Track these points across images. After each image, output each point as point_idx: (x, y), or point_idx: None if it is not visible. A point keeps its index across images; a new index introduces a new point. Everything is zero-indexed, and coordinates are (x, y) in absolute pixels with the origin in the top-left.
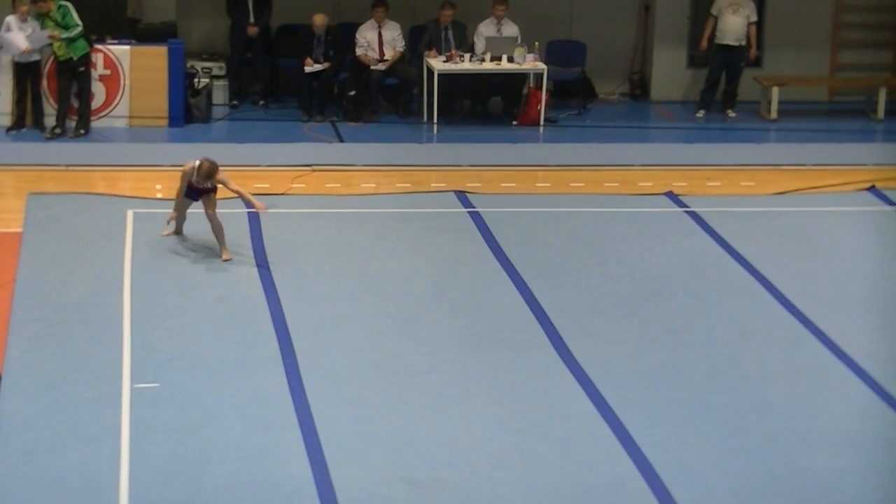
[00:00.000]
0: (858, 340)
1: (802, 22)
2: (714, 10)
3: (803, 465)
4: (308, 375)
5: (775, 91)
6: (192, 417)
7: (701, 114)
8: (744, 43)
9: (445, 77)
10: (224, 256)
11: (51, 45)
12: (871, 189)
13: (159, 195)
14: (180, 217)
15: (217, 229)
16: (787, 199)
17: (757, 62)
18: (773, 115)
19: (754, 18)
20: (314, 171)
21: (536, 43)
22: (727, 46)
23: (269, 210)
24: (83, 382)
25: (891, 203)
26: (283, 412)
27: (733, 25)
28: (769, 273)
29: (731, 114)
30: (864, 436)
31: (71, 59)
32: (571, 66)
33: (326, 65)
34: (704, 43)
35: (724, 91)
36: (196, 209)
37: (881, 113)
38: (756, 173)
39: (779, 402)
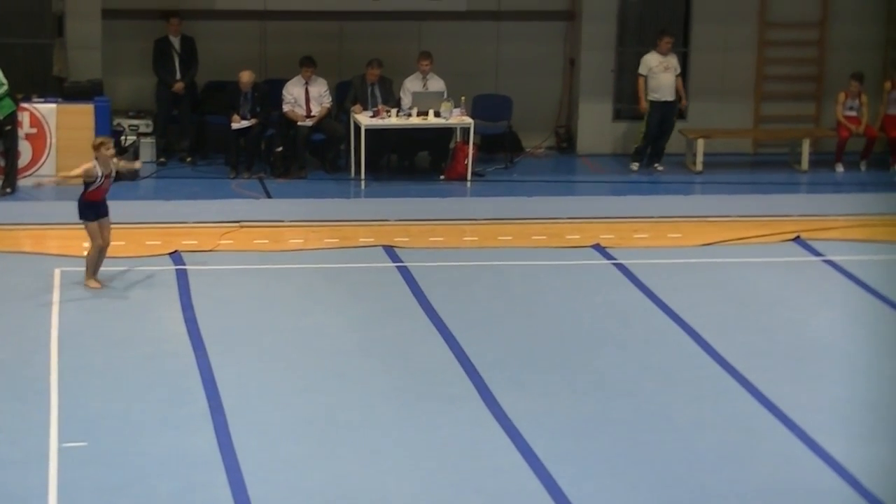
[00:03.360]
0: (786, 391)
1: (726, 75)
2: (643, 70)
3: None
4: (237, 432)
5: (700, 143)
6: (121, 476)
7: (635, 166)
8: (674, 98)
9: (372, 132)
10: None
11: None
12: (797, 240)
13: (86, 253)
14: (100, 256)
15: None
16: (714, 251)
17: (681, 115)
18: (699, 167)
19: (678, 71)
20: (242, 227)
21: (463, 97)
22: (665, 102)
23: (198, 267)
24: (9, 442)
25: (816, 253)
26: (212, 470)
27: (666, 82)
28: (696, 324)
29: (659, 167)
30: (793, 486)
31: None
32: (498, 120)
33: (253, 121)
34: (644, 104)
35: (654, 146)
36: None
37: (805, 164)
38: (682, 225)
39: (708, 453)
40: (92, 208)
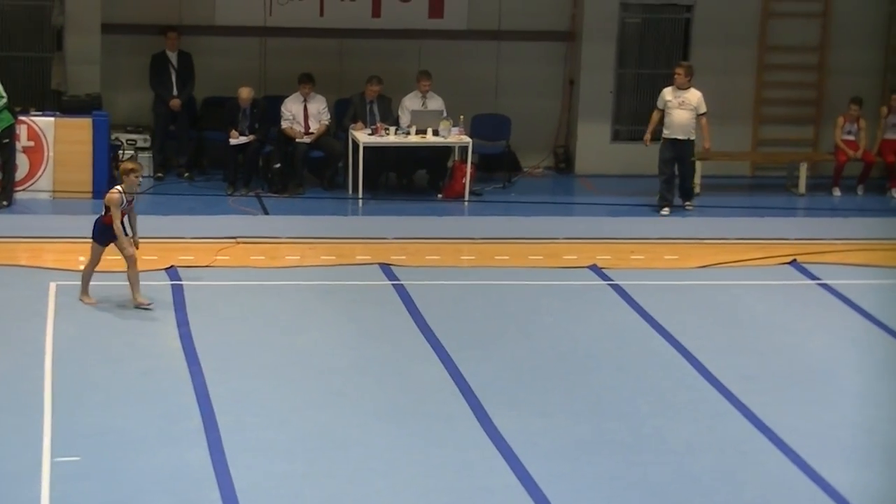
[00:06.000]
0: (781, 414)
1: (725, 98)
2: (660, 104)
3: None
4: (231, 449)
5: (699, 165)
6: (114, 492)
7: (666, 211)
8: (692, 137)
9: (371, 150)
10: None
11: None
12: (793, 263)
13: (82, 267)
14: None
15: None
16: (710, 273)
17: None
18: (697, 189)
19: (703, 110)
20: (239, 243)
21: (462, 116)
22: (676, 140)
23: (194, 282)
24: (4, 456)
25: (812, 277)
26: (205, 487)
27: (679, 118)
28: (692, 346)
29: (689, 206)
30: None
31: None
32: (496, 139)
33: (252, 137)
34: (648, 137)
35: (678, 186)
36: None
37: (802, 188)
38: (679, 247)
39: (703, 476)
40: (107, 234)
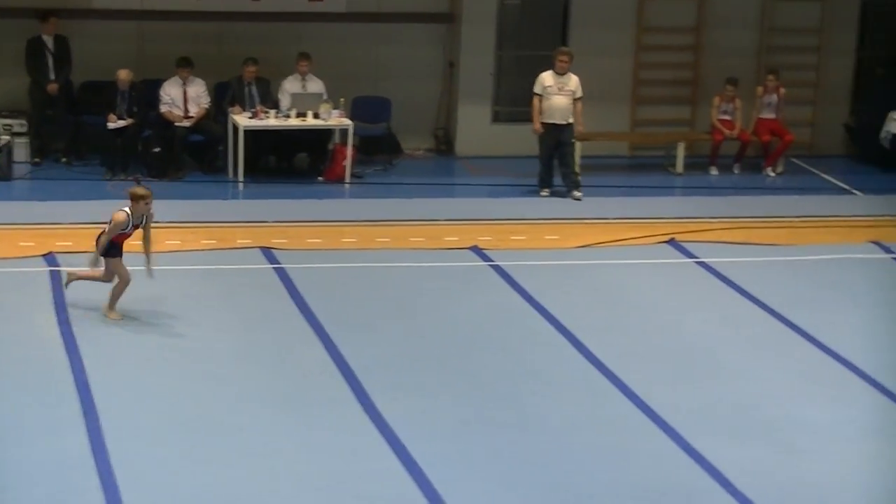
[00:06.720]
0: (661, 391)
1: (604, 79)
2: (537, 89)
3: None
4: (111, 436)
5: (578, 146)
6: None
7: (546, 192)
8: (570, 120)
9: (251, 133)
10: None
11: None
12: (671, 241)
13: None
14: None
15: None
16: (590, 253)
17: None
18: (576, 169)
19: (580, 95)
20: None
21: (342, 99)
22: (556, 125)
23: (73, 269)
24: None
25: (690, 255)
26: (85, 473)
27: (559, 103)
28: (573, 325)
29: (577, 194)
30: (667, 486)
31: None
32: (377, 121)
33: (130, 121)
34: (538, 126)
35: (562, 174)
36: None
37: (680, 167)
38: (559, 227)
39: (584, 453)
40: (116, 247)
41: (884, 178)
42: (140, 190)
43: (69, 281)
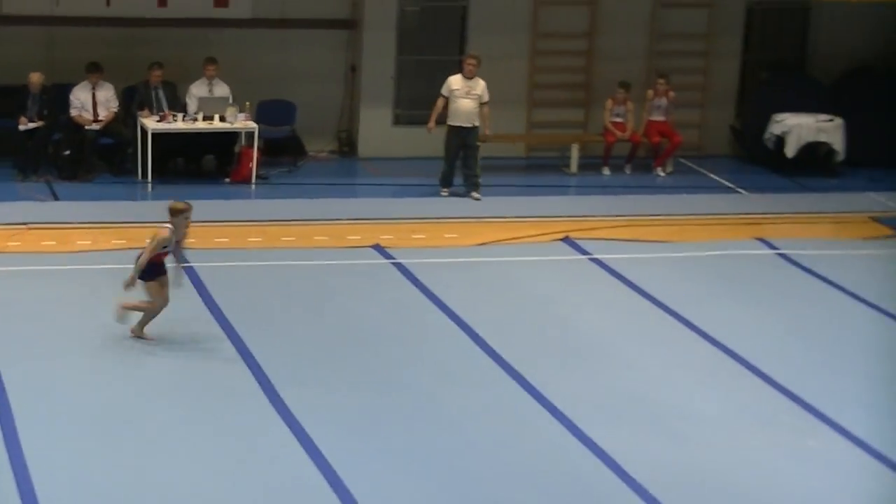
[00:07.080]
0: (556, 383)
1: (501, 82)
2: (445, 91)
3: (504, 500)
4: (23, 427)
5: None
6: None
7: (446, 192)
8: (476, 123)
9: (159, 136)
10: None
11: None
12: (566, 239)
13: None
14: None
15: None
16: (488, 250)
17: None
18: (478, 171)
19: (486, 99)
20: (29, 229)
21: (248, 103)
22: (461, 128)
23: None
24: None
25: (584, 252)
26: None
27: (465, 107)
28: (471, 321)
29: (476, 195)
30: (559, 471)
31: None
32: (282, 124)
33: (40, 123)
34: (433, 124)
35: (464, 175)
36: None
37: (574, 167)
38: (459, 226)
39: (482, 442)
40: (154, 268)
41: (768, 178)
42: (180, 204)
43: (123, 314)
